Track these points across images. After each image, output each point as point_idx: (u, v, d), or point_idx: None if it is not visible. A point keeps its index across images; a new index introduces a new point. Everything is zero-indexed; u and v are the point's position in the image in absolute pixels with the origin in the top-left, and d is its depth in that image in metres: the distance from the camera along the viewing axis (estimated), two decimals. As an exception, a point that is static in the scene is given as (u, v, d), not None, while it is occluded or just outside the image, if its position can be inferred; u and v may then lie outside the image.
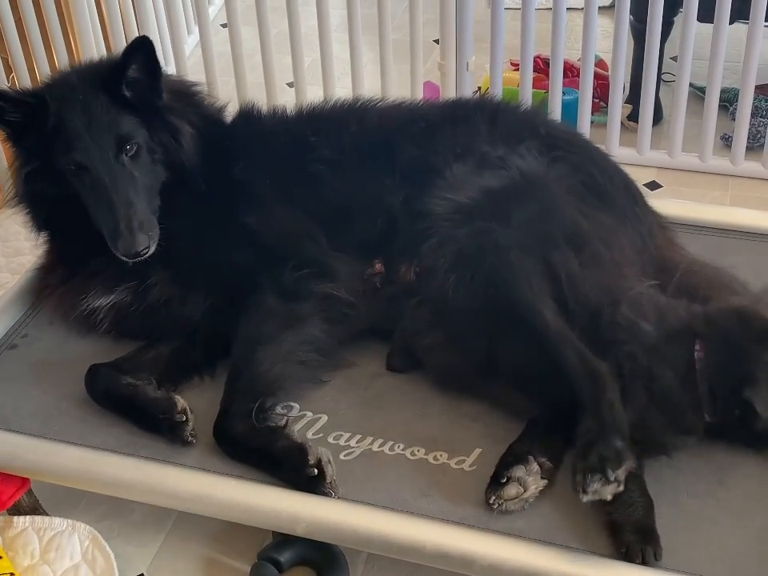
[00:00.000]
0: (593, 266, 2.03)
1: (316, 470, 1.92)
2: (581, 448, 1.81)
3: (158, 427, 2.06)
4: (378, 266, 2.30)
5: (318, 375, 2.18)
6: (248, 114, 2.43)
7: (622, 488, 1.75)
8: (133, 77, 2.13)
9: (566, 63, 3.35)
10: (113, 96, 2.12)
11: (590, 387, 1.88)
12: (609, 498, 1.75)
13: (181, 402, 2.07)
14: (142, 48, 2.11)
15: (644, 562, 1.76)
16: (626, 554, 1.77)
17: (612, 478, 1.74)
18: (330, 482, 1.92)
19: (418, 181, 2.26)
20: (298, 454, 1.95)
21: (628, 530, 1.79)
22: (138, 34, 3.52)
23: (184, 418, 2.04)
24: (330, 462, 1.94)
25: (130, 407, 2.10)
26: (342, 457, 2.02)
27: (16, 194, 2.22)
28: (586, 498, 1.75)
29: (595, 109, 3.50)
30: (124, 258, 2.09)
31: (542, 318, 1.95)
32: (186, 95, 2.35)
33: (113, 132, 2.10)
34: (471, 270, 2.03)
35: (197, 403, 2.11)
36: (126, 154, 2.11)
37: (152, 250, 2.10)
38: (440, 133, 2.33)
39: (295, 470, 1.94)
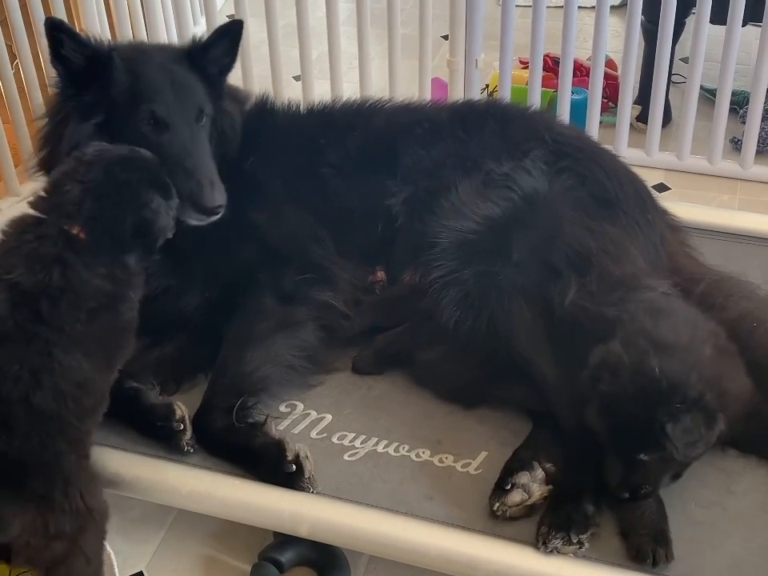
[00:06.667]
0: (602, 285, 2.01)
1: (294, 466, 1.91)
2: (555, 499, 1.83)
3: (156, 434, 2.03)
4: (380, 274, 2.28)
5: (306, 381, 2.16)
6: (262, 108, 2.40)
7: (583, 549, 1.77)
8: (215, 56, 2.15)
9: (575, 62, 3.32)
10: (194, 66, 2.13)
11: (578, 445, 1.89)
12: (567, 555, 1.77)
13: (180, 410, 2.02)
14: (234, 30, 2.16)
15: (654, 564, 1.75)
16: (636, 557, 1.77)
17: (575, 541, 1.76)
18: (309, 478, 1.91)
19: (423, 188, 2.26)
20: (276, 450, 1.94)
21: (639, 533, 1.78)
22: (144, 24, 3.51)
23: (182, 427, 2.00)
24: (307, 457, 1.93)
25: (130, 411, 2.06)
26: (346, 457, 2.00)
27: (57, 151, 2.05)
28: (543, 551, 1.77)
29: (604, 109, 3.47)
30: (201, 216, 2.03)
31: (539, 371, 1.99)
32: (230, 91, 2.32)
33: (195, 96, 2.11)
34: (475, 313, 2.07)
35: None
36: (198, 122, 2.10)
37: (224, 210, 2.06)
38: (448, 140, 2.32)
39: (274, 466, 1.93)
